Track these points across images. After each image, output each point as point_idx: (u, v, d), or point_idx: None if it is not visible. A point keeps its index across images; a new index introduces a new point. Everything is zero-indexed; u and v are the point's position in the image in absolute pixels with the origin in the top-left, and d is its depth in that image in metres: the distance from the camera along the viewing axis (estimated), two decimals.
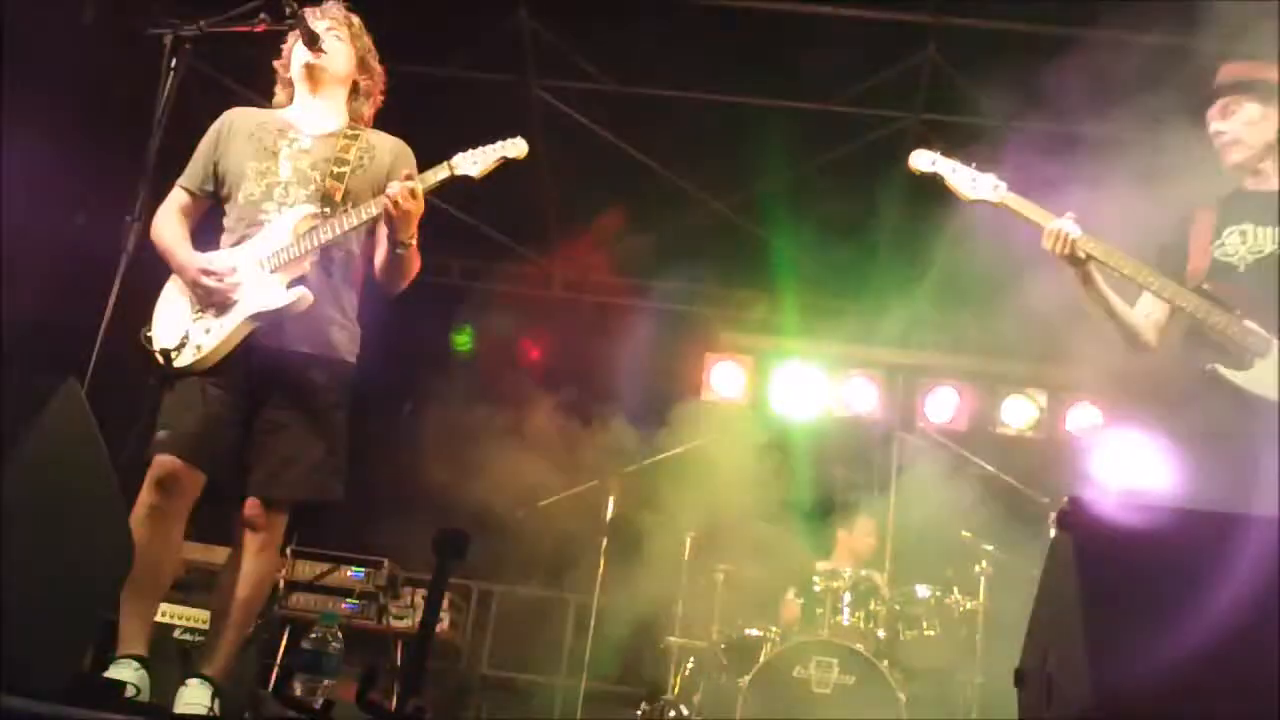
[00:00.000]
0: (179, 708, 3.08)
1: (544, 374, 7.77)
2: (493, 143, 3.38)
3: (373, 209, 3.29)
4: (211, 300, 3.29)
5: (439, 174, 3.35)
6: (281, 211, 3.35)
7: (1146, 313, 3.36)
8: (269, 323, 3.28)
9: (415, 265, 3.48)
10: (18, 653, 2.17)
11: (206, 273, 3.28)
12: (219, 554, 5.07)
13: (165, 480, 3.19)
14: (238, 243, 3.36)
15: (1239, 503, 2.80)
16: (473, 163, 3.36)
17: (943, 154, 3.41)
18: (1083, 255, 3.17)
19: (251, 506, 3.29)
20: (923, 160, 3.42)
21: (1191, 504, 2.96)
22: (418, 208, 3.30)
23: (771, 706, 4.76)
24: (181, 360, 3.25)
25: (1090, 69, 5.61)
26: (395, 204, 3.23)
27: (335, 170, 3.41)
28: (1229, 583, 2.04)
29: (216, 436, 3.24)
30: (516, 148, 3.37)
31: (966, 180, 3.35)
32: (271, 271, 3.28)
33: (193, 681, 3.16)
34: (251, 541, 3.29)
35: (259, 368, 3.29)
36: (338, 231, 3.29)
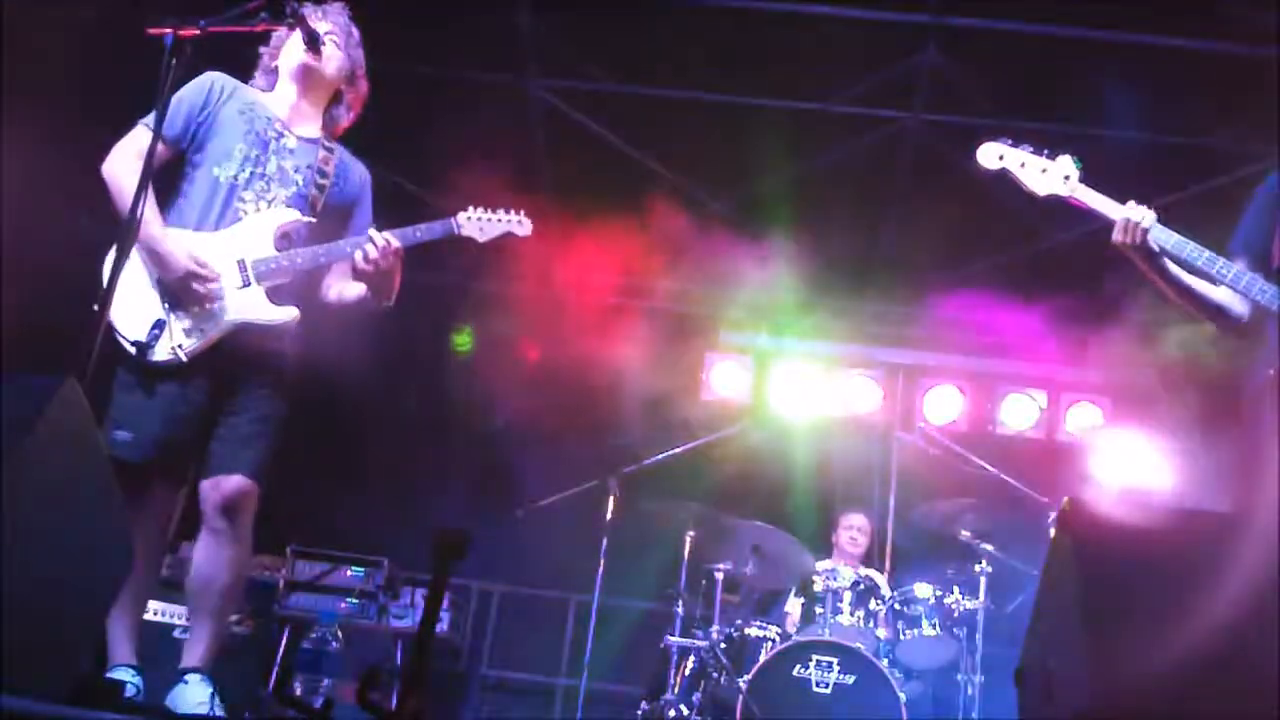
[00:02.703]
0: (184, 707, 3.07)
1: (543, 374, 7.76)
2: (497, 211, 3.46)
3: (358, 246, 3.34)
4: (185, 292, 3.23)
5: (446, 229, 3.42)
6: (260, 208, 3.34)
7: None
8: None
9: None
10: (18, 653, 2.17)
11: (199, 278, 3.23)
12: None
13: (141, 493, 3.18)
14: (210, 223, 3.31)
15: None
16: (478, 228, 3.43)
17: (1012, 144, 3.22)
18: (1155, 248, 3.03)
19: (222, 490, 3.25)
20: (990, 156, 3.22)
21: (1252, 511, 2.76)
22: (397, 267, 3.34)
23: (771, 706, 4.76)
24: (157, 356, 3.21)
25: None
26: (372, 261, 3.27)
27: (319, 180, 3.43)
28: (1227, 582, 2.04)
29: (182, 435, 3.23)
30: (523, 228, 3.49)
31: (1037, 174, 3.16)
32: (257, 279, 3.29)
33: (192, 678, 3.16)
34: (225, 526, 3.25)
35: (227, 363, 3.29)
36: (321, 262, 3.36)
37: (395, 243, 3.30)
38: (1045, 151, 3.19)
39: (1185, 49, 5.58)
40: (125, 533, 2.74)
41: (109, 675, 3.10)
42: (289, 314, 3.30)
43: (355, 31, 3.60)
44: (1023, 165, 3.19)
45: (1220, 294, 3.14)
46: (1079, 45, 5.75)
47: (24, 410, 2.31)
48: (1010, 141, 3.22)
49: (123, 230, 2.92)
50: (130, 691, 3.07)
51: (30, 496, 2.25)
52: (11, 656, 2.15)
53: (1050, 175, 3.15)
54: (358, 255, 3.30)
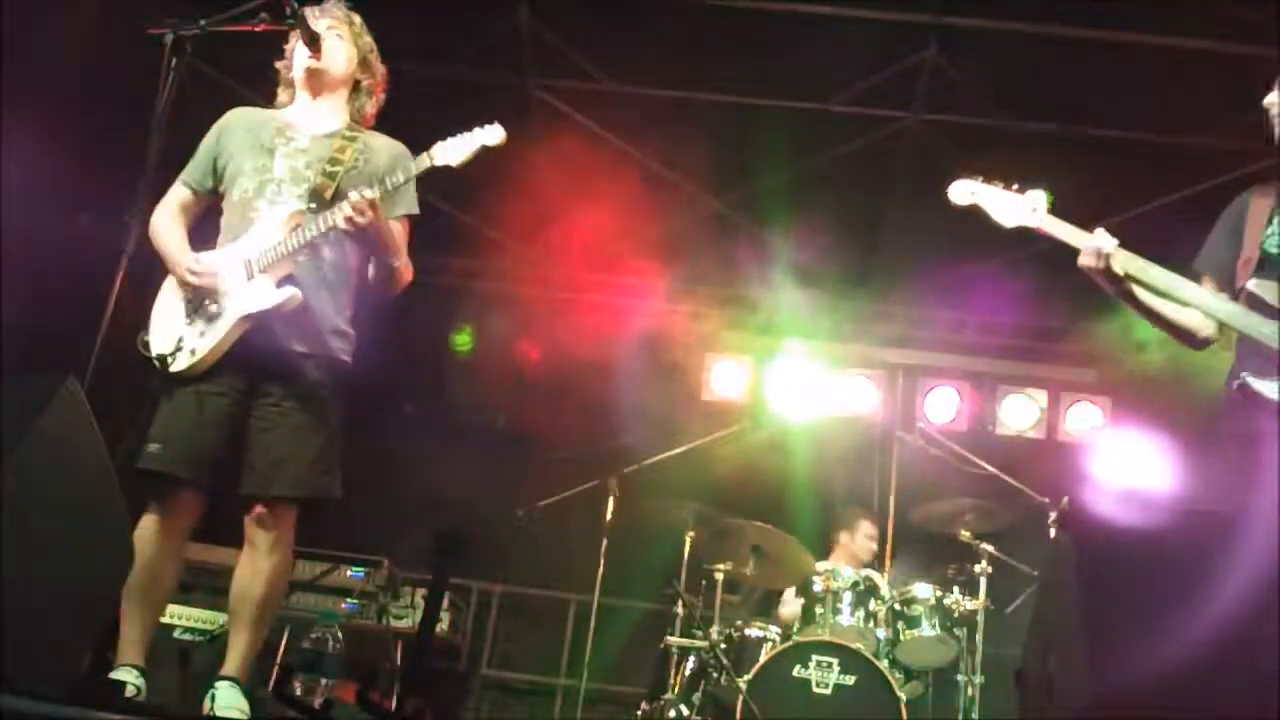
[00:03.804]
0: (219, 710, 3.08)
1: (543, 374, 7.76)
2: (470, 130, 3.33)
3: (333, 218, 3.26)
4: (201, 301, 3.28)
5: (420, 165, 3.31)
6: (272, 209, 3.35)
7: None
8: (262, 322, 3.28)
9: (406, 275, 3.49)
10: (18, 653, 2.17)
11: (193, 271, 3.28)
12: (220, 554, 5.07)
13: (167, 500, 3.22)
14: (231, 240, 3.36)
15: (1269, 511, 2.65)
16: (452, 154, 3.29)
17: (983, 180, 3.32)
18: (1120, 272, 3.10)
19: (258, 506, 3.28)
20: (961, 194, 3.34)
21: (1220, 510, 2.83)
22: (377, 223, 3.25)
23: (771, 706, 4.75)
24: (177, 365, 3.25)
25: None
26: (349, 219, 3.19)
27: (328, 169, 3.39)
28: (1226, 582, 2.04)
29: (212, 443, 3.23)
30: (494, 135, 3.29)
31: (1005, 208, 3.27)
32: (260, 271, 3.27)
33: (223, 684, 3.16)
34: (262, 540, 3.27)
35: (255, 366, 3.29)
36: (320, 229, 3.25)
37: (368, 194, 3.21)
38: (1015, 186, 3.28)
39: (1185, 49, 5.58)
40: (125, 533, 2.74)
41: (113, 675, 3.11)
42: (286, 294, 3.26)
43: (358, 18, 3.59)
44: (993, 201, 3.29)
45: (1187, 316, 3.20)
46: (1079, 45, 5.75)
47: (24, 410, 2.31)
48: (982, 179, 3.32)
49: (125, 239, 2.96)
50: (131, 692, 3.08)
51: (30, 496, 2.25)
52: (11, 656, 2.15)
53: (1019, 207, 3.24)
54: (338, 219, 3.23)
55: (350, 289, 3.49)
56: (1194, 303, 3.08)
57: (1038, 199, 3.23)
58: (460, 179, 3.39)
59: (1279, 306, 2.97)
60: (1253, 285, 3.04)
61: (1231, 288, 3.15)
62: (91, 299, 2.94)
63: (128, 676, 3.11)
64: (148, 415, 3.23)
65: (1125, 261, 3.09)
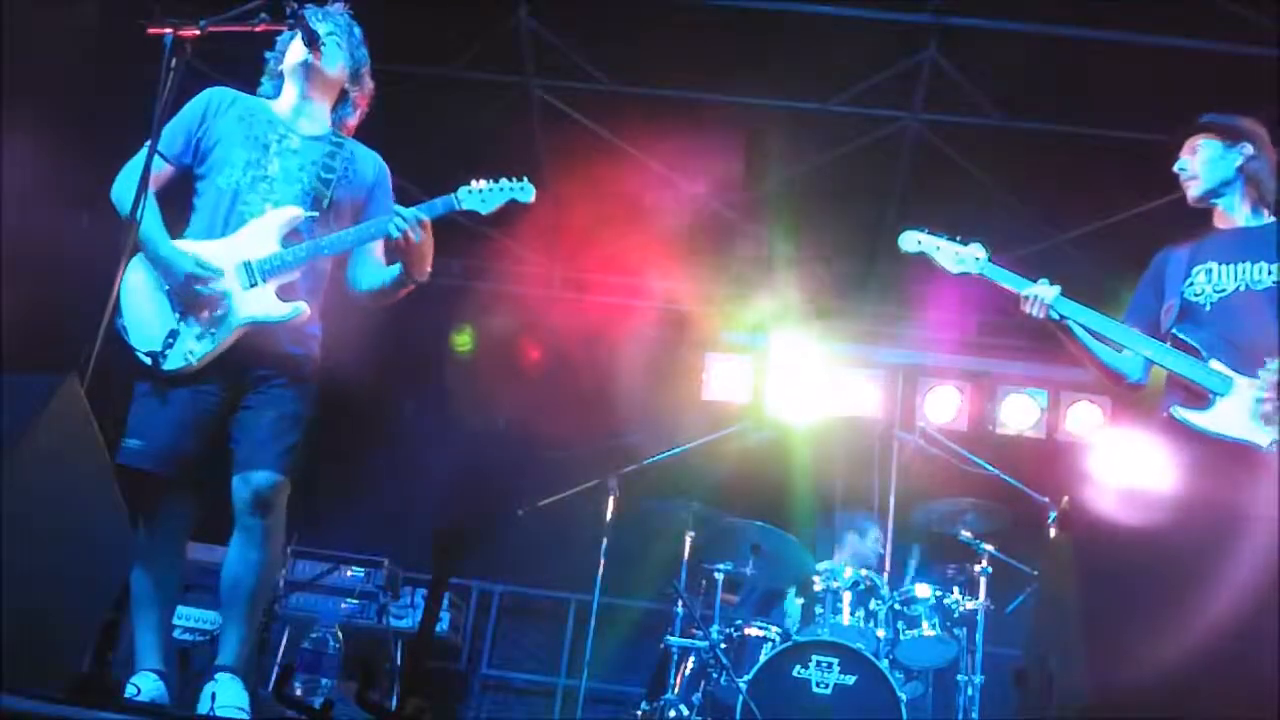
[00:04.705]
0: (220, 710, 3.05)
1: (544, 374, 7.76)
2: (498, 180, 3.41)
3: (375, 230, 3.33)
4: (198, 302, 3.25)
5: (445, 206, 3.38)
6: (265, 209, 3.34)
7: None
8: (260, 325, 3.29)
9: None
10: (18, 653, 2.17)
11: (199, 280, 3.23)
12: (220, 554, 5.07)
13: (154, 502, 3.21)
14: (217, 230, 3.33)
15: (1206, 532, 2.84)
16: (480, 200, 3.39)
17: (929, 231, 3.55)
18: (1057, 318, 3.33)
19: (244, 486, 3.23)
20: (909, 241, 3.56)
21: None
22: (428, 240, 3.32)
23: (771, 707, 4.75)
24: (170, 364, 3.21)
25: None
26: (405, 237, 3.25)
27: (324, 175, 3.41)
28: (1225, 582, 2.04)
29: (196, 442, 3.23)
30: (525, 193, 3.41)
31: (950, 256, 3.49)
32: (264, 278, 3.27)
33: (223, 676, 3.14)
34: (253, 527, 3.24)
35: (246, 365, 3.29)
36: (338, 249, 3.34)
37: (423, 216, 3.29)
38: (958, 238, 3.51)
39: (1185, 49, 5.58)
40: (125, 532, 2.74)
41: (134, 679, 3.12)
42: (296, 310, 3.29)
43: (357, 30, 3.59)
44: (938, 249, 3.52)
45: (1121, 360, 3.47)
46: (1079, 45, 5.75)
47: (24, 410, 2.31)
48: (929, 230, 3.56)
49: (124, 238, 2.94)
50: (152, 695, 3.08)
51: (30, 496, 2.26)
52: (11, 656, 2.15)
53: (964, 256, 3.49)
54: (393, 230, 3.28)
55: (323, 294, 3.51)
56: (1127, 344, 3.35)
57: (978, 249, 3.48)
58: (460, 179, 3.40)
59: (1199, 348, 3.26)
60: (1177, 330, 3.34)
61: (1157, 334, 3.41)
62: (91, 299, 2.94)
63: (147, 681, 3.12)
64: (131, 411, 3.22)
65: (1062, 307, 3.33)
